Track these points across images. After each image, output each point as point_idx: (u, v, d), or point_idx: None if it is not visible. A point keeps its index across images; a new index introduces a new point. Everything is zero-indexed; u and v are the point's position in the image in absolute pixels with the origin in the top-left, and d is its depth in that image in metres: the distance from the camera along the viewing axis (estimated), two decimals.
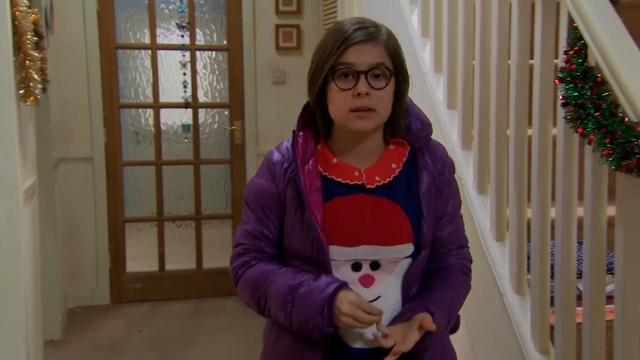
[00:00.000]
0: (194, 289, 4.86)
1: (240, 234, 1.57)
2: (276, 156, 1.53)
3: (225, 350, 3.94)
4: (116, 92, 4.61)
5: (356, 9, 3.29)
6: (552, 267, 1.89)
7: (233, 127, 4.84)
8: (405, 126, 1.52)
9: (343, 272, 1.45)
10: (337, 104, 1.43)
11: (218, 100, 4.97)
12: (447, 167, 1.55)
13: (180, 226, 5.01)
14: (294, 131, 1.49)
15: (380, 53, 1.41)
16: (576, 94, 1.62)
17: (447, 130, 2.36)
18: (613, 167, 1.52)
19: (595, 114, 1.57)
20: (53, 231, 4.05)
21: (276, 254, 1.54)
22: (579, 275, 1.87)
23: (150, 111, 4.84)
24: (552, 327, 1.89)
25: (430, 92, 2.46)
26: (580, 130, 1.61)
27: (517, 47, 1.94)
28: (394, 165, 1.49)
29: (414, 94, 2.59)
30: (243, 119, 4.82)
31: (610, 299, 1.67)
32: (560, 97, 1.67)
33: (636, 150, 1.45)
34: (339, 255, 1.44)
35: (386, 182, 1.47)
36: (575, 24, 1.67)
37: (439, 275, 1.55)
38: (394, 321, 1.45)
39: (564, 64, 1.67)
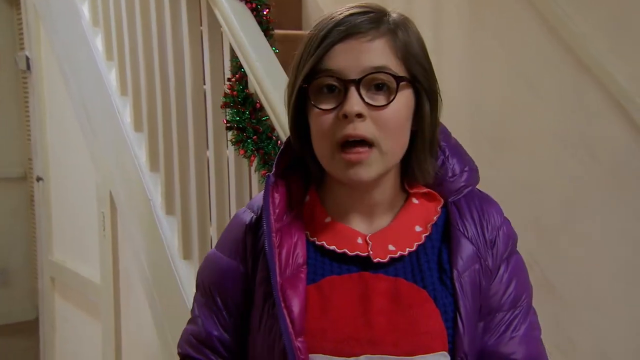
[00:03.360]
0: None
1: (184, 337, 1.07)
2: (246, 217, 1.02)
3: None
4: None
5: (43, 31, 3.16)
6: None
7: None
8: (437, 169, 1.01)
9: None
10: (317, 135, 0.93)
11: None
12: (501, 235, 1.00)
13: None
14: (267, 177, 0.98)
15: (381, 51, 0.91)
16: (238, 118, 1.75)
17: (135, 152, 2.38)
18: None
19: (254, 137, 1.71)
20: None
21: None
22: None
23: None
24: None
25: (117, 114, 2.45)
26: (242, 152, 1.73)
27: (190, 73, 2.02)
28: (418, 229, 0.97)
29: (103, 117, 2.58)
30: None
31: None
32: (225, 122, 1.78)
33: None
34: None
35: (406, 254, 0.95)
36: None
37: None
38: None
39: (228, 90, 1.79)
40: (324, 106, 0.91)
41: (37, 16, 3.17)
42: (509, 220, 1.04)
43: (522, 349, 0.97)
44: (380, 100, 0.90)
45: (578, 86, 2.08)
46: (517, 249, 1.06)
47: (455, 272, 0.94)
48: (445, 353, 0.92)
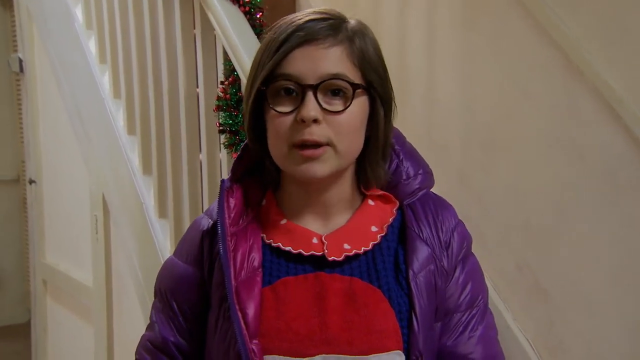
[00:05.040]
0: None
1: (141, 343, 1.09)
2: (204, 222, 1.04)
3: None
4: None
5: (36, 33, 3.15)
6: None
7: None
8: (390, 172, 1.04)
9: None
10: (273, 136, 0.95)
11: None
12: (456, 236, 1.03)
13: None
14: (222, 182, 1.00)
15: (338, 58, 0.94)
16: (231, 121, 1.75)
17: (128, 155, 2.37)
18: None
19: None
20: None
21: None
22: None
23: None
24: None
25: (110, 117, 2.45)
26: (235, 155, 1.73)
27: (183, 76, 2.02)
28: (374, 229, 0.99)
29: (96, 120, 2.58)
30: None
31: None
32: (218, 125, 1.78)
33: None
34: None
35: (361, 252, 0.97)
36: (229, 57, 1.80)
37: None
38: None
39: (221, 94, 1.79)
40: (282, 109, 0.93)
41: (30, 18, 3.16)
42: (463, 223, 1.06)
43: (479, 349, 1.00)
44: (336, 105, 0.93)
45: (570, 90, 2.08)
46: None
47: (410, 272, 0.96)
48: (400, 352, 0.93)
